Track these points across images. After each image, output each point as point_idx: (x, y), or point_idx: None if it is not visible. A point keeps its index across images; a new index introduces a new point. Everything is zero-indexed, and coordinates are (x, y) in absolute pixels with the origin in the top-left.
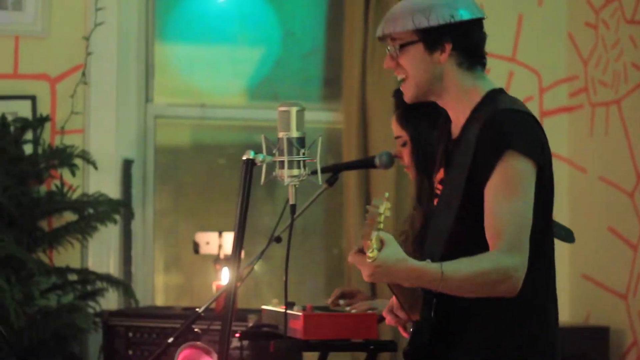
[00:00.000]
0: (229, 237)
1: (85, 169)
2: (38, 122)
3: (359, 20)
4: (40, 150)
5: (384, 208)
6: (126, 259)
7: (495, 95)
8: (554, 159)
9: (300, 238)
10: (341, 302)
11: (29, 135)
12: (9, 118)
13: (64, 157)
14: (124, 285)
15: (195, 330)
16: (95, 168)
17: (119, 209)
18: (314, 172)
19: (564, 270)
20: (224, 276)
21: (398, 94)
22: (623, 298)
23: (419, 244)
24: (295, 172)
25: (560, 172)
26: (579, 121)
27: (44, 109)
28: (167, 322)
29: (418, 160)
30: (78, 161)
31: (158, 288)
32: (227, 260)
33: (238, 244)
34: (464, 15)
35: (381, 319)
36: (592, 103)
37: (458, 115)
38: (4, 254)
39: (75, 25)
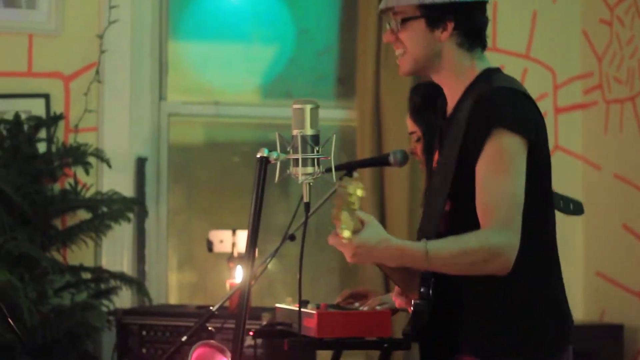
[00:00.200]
0: (242, 235)
1: (99, 167)
2: (52, 120)
3: (373, 17)
4: (54, 149)
5: (353, 188)
6: (140, 257)
7: (491, 74)
8: (568, 156)
9: (314, 236)
10: (356, 304)
11: (42, 133)
12: (23, 116)
13: (77, 155)
14: (138, 283)
15: (209, 328)
16: (109, 166)
17: (133, 207)
18: (328, 170)
19: (578, 267)
20: (238, 274)
21: (413, 90)
22: (637, 296)
23: None
24: (310, 169)
25: (575, 169)
26: (594, 118)
27: (57, 107)
28: (181, 320)
29: (430, 156)
30: (92, 159)
31: (172, 286)
32: (241, 258)
33: (252, 242)
34: None
35: (394, 312)
36: (606, 100)
37: (453, 93)
38: (17, 252)
39: (89, 23)
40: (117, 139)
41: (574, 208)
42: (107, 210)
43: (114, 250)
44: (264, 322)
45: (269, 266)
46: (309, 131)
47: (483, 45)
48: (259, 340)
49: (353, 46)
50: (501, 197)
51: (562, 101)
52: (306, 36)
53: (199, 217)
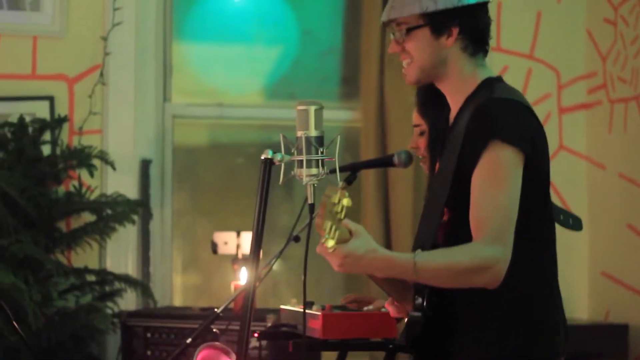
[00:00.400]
0: (247, 237)
1: (104, 170)
2: (56, 122)
3: (377, 18)
4: (58, 151)
5: (337, 197)
6: (144, 260)
7: (492, 84)
8: (572, 155)
9: (318, 237)
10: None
11: (47, 136)
12: (27, 119)
13: (82, 157)
14: (142, 285)
15: (214, 330)
16: (114, 168)
17: (137, 209)
18: (333, 171)
19: (583, 267)
20: (242, 276)
21: (422, 85)
22: None
23: None
24: (314, 171)
25: (579, 169)
26: (598, 118)
27: (62, 110)
28: (186, 322)
29: (434, 152)
30: (96, 162)
31: (176, 288)
32: (246, 260)
33: (256, 243)
34: None
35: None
36: (610, 99)
37: (455, 101)
38: (22, 254)
39: (93, 25)
40: (122, 141)
41: (574, 223)
42: (111, 213)
43: (119, 253)
44: (269, 324)
45: (274, 267)
46: (313, 132)
47: (485, 50)
48: (264, 342)
49: (357, 47)
50: (494, 209)
51: (566, 101)
52: (310, 37)
53: (204, 219)
